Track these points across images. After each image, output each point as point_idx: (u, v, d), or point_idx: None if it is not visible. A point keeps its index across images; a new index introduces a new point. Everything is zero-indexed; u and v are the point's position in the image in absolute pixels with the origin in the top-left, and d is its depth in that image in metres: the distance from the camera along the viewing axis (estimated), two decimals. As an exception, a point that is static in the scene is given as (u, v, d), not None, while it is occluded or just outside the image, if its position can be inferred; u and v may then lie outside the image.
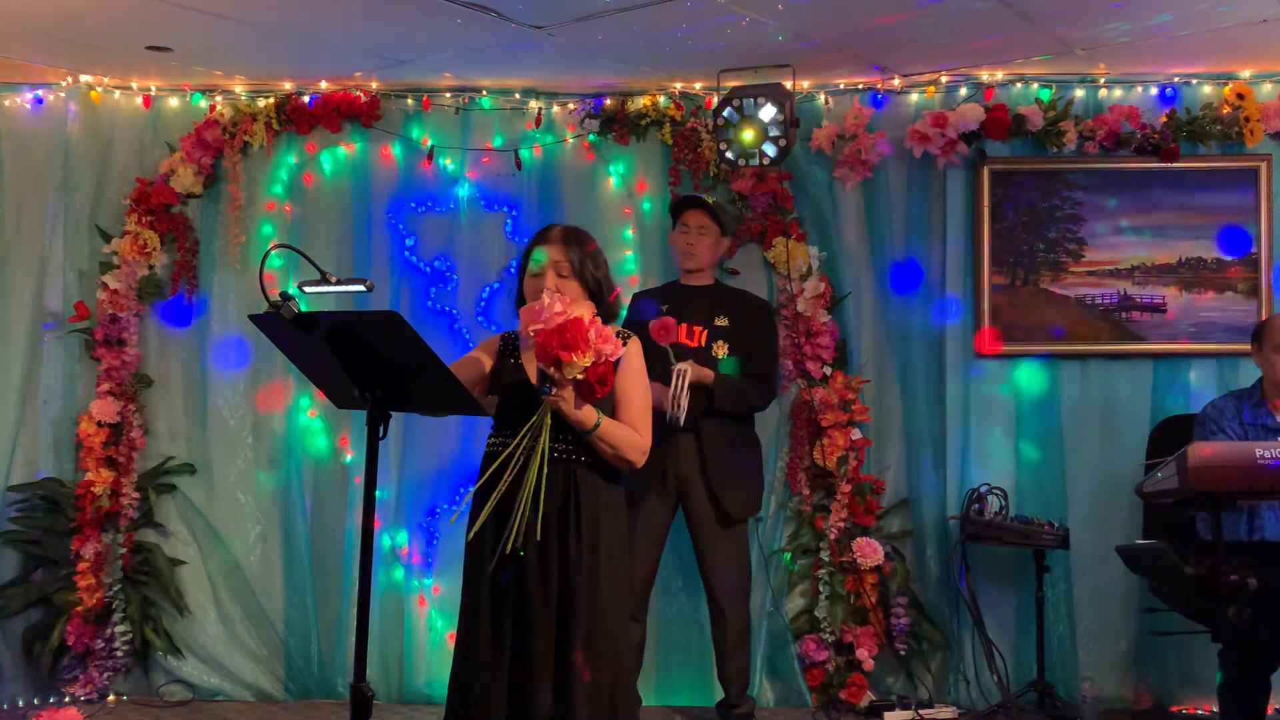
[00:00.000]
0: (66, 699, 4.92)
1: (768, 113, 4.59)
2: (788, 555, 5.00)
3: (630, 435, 3.05)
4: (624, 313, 4.54)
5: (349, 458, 5.15)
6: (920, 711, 4.67)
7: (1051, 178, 4.96)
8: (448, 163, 5.20)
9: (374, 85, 5.16)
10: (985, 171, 4.95)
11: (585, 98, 5.15)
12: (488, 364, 3.19)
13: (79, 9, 4.23)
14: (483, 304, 5.17)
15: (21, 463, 5.08)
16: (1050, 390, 4.96)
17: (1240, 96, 4.84)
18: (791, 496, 5.02)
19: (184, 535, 5.17)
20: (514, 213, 5.19)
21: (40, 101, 5.19)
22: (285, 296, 2.70)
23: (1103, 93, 4.98)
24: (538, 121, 5.16)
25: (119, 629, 4.96)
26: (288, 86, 5.19)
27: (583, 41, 4.48)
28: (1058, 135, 4.89)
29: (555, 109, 5.19)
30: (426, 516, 5.12)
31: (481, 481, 3.04)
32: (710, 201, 4.67)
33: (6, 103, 5.18)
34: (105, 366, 5.06)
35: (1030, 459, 4.97)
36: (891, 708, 4.70)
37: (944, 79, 5.02)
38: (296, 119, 5.16)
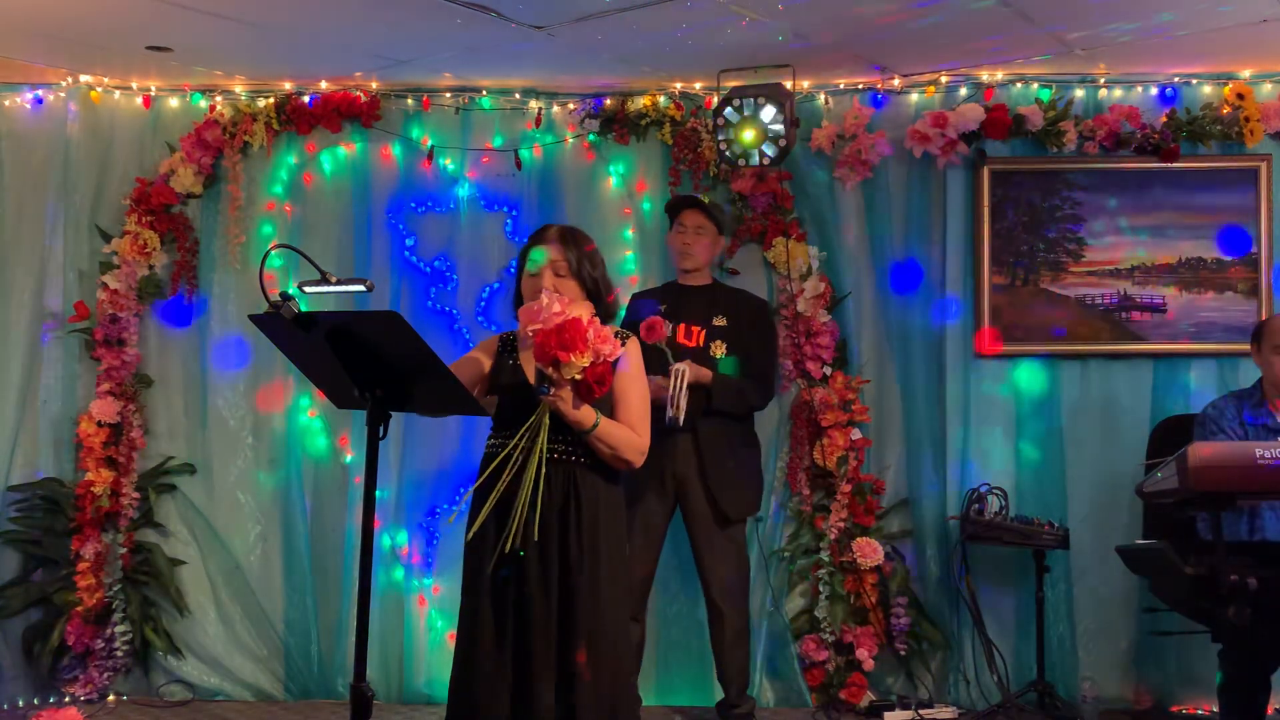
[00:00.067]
0: (66, 699, 4.92)
1: (768, 113, 4.59)
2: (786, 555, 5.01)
3: (628, 435, 3.05)
4: (622, 313, 4.55)
5: (349, 458, 5.15)
6: (920, 711, 4.67)
7: (1051, 178, 4.96)
8: (448, 163, 5.20)
9: (374, 85, 5.16)
10: (985, 171, 4.95)
11: (585, 98, 5.15)
12: (486, 364, 3.19)
13: (79, 9, 4.23)
14: (483, 304, 5.17)
15: (21, 463, 5.08)
16: (1050, 390, 4.96)
17: (1240, 96, 4.84)
18: (791, 496, 5.02)
19: (184, 535, 5.17)
20: (514, 213, 5.19)
21: (40, 101, 5.19)
22: (285, 296, 2.70)
23: (1103, 93, 4.98)
24: (538, 121, 5.16)
25: (119, 629, 4.97)
26: (288, 86, 5.19)
27: (583, 41, 4.48)
28: (1058, 135, 4.89)
29: (555, 109, 5.19)
30: (426, 516, 5.12)
31: (480, 481, 3.04)
32: (707, 201, 4.67)
33: (6, 103, 5.18)
34: (105, 366, 5.06)
35: (1030, 459, 4.97)
36: (891, 708, 4.70)
37: (944, 79, 5.02)
38: (296, 119, 5.16)
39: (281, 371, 5.12)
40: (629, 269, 5.13)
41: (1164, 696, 4.82)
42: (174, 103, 5.24)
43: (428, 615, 5.09)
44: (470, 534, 3.06)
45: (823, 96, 5.10)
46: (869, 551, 4.84)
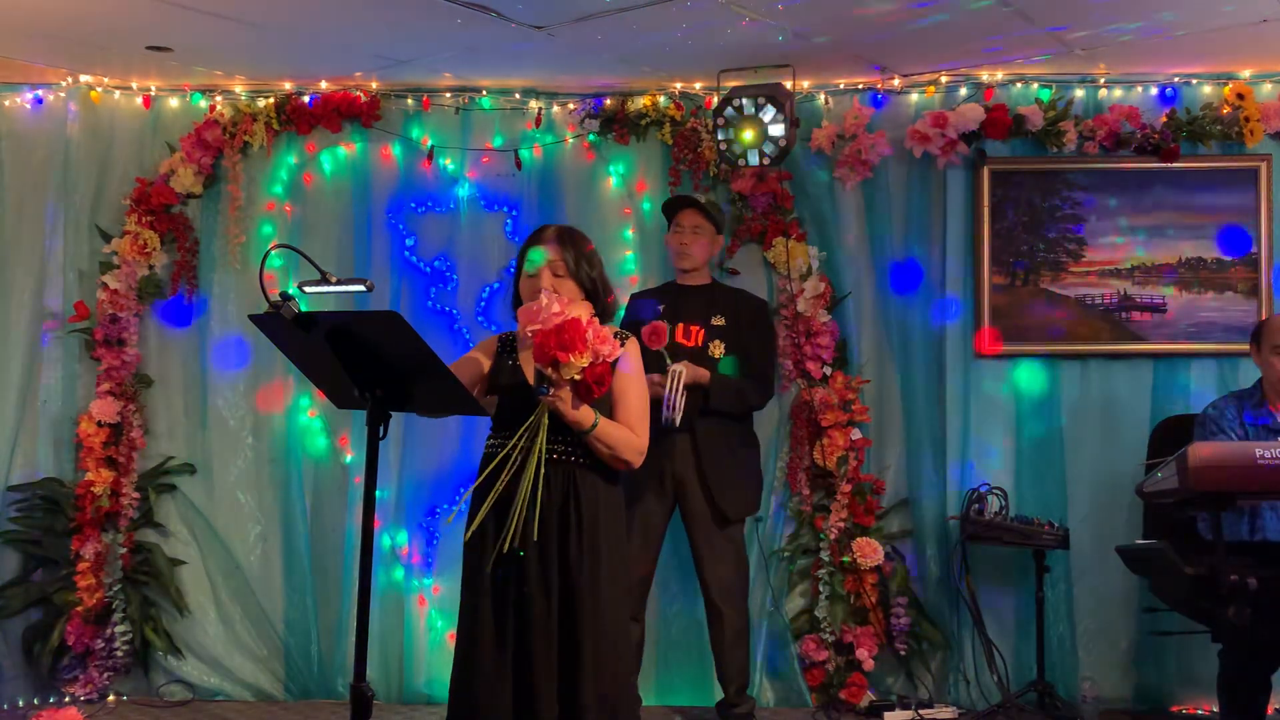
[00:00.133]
0: (66, 699, 4.92)
1: (768, 113, 4.59)
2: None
3: (627, 435, 3.05)
4: (621, 313, 4.55)
5: (349, 458, 5.16)
6: (920, 711, 4.67)
7: (1051, 178, 4.96)
8: (448, 163, 5.20)
9: (374, 85, 5.16)
10: (985, 171, 4.95)
11: (585, 98, 5.15)
12: (486, 364, 3.19)
13: (79, 9, 4.23)
14: (483, 304, 5.17)
15: (21, 463, 5.08)
16: (1050, 390, 4.96)
17: (1240, 96, 4.84)
18: (791, 496, 5.02)
19: (184, 535, 5.17)
20: (514, 213, 5.19)
21: (40, 101, 5.19)
22: (285, 296, 2.71)
23: (1103, 93, 4.98)
24: (538, 121, 5.16)
25: (119, 629, 4.96)
26: (288, 86, 5.19)
27: (583, 41, 4.48)
28: (1058, 135, 4.89)
29: (555, 109, 5.19)
30: (426, 516, 5.12)
31: (480, 481, 3.04)
32: (704, 200, 4.67)
33: (6, 103, 5.18)
34: (105, 366, 5.06)
35: (1030, 459, 4.96)
36: (891, 708, 4.70)
37: (944, 79, 5.02)
38: (296, 119, 5.16)
39: (281, 371, 5.12)
40: (629, 269, 5.13)
41: (1164, 696, 4.81)
42: (174, 103, 5.24)
43: (428, 615, 5.09)
44: (469, 534, 3.06)
45: (823, 96, 5.10)
46: (869, 551, 4.84)
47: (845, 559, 4.86)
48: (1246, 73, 4.90)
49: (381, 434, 2.78)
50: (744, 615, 4.60)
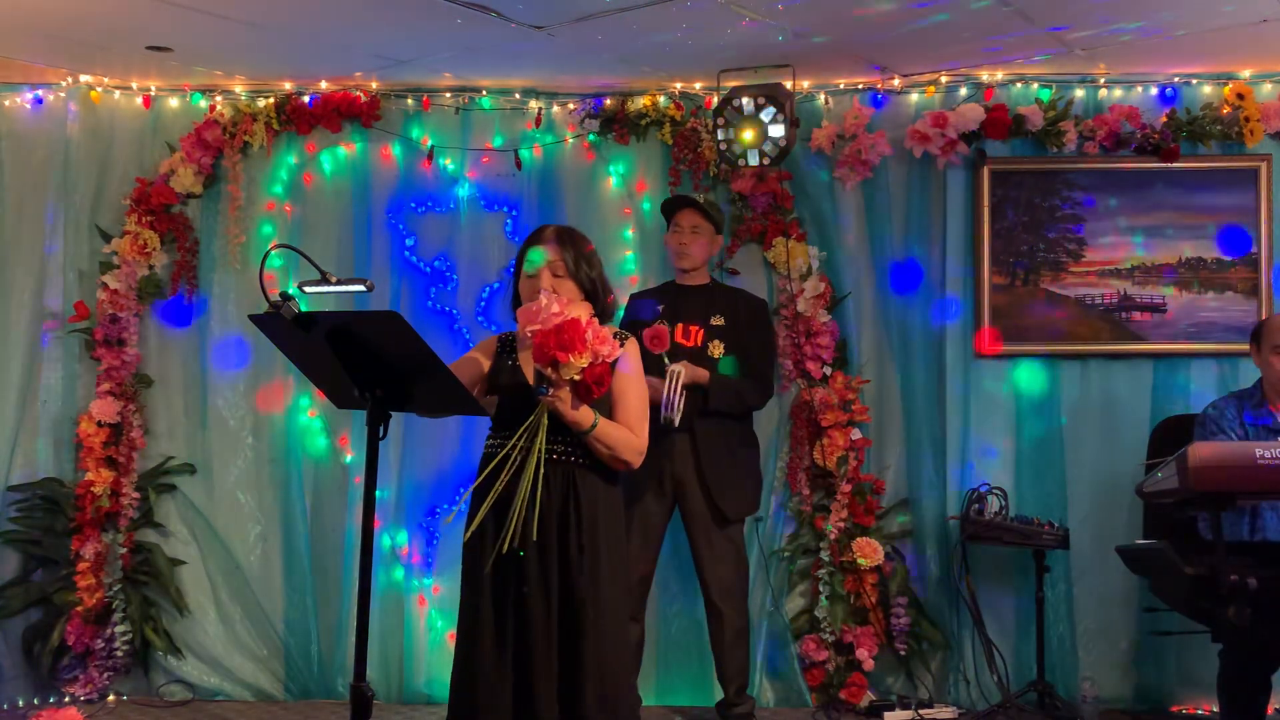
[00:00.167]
0: (66, 699, 4.92)
1: (768, 113, 4.59)
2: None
3: (626, 436, 3.05)
4: (620, 313, 4.55)
5: (349, 458, 5.16)
6: (920, 711, 4.67)
7: (1051, 178, 4.96)
8: (448, 163, 5.20)
9: (374, 85, 5.16)
10: (985, 171, 4.95)
11: (585, 98, 5.15)
12: (485, 364, 3.19)
13: (79, 9, 4.23)
14: (483, 304, 5.17)
15: (21, 463, 5.08)
16: (1050, 390, 4.96)
17: (1240, 96, 4.84)
18: (791, 496, 5.02)
19: (184, 535, 5.17)
20: (514, 213, 5.19)
21: (40, 101, 5.19)
22: (285, 296, 2.71)
23: (1103, 93, 4.98)
24: (538, 121, 5.16)
25: (119, 629, 4.96)
26: (288, 86, 5.19)
27: (583, 41, 4.48)
28: (1058, 135, 4.89)
29: (555, 109, 5.19)
30: (426, 516, 5.12)
31: (479, 481, 3.04)
32: (702, 200, 4.67)
33: (6, 103, 5.18)
34: (105, 366, 5.06)
35: (1030, 459, 4.96)
36: (891, 708, 4.70)
37: (944, 79, 5.02)
38: (296, 119, 5.16)
39: (281, 371, 5.12)
40: (629, 269, 5.13)
41: (1164, 696, 4.82)
42: (174, 103, 5.24)
43: (428, 615, 5.09)
44: (468, 534, 3.06)
45: (823, 96, 5.10)
46: (869, 551, 4.84)
47: (846, 559, 4.86)
48: (1246, 73, 4.90)
49: (381, 434, 2.78)
50: (744, 615, 4.60)
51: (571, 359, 2.82)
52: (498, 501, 2.99)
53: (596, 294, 3.16)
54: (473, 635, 3.02)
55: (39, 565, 5.06)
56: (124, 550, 5.02)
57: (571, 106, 5.17)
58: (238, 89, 5.19)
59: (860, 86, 5.07)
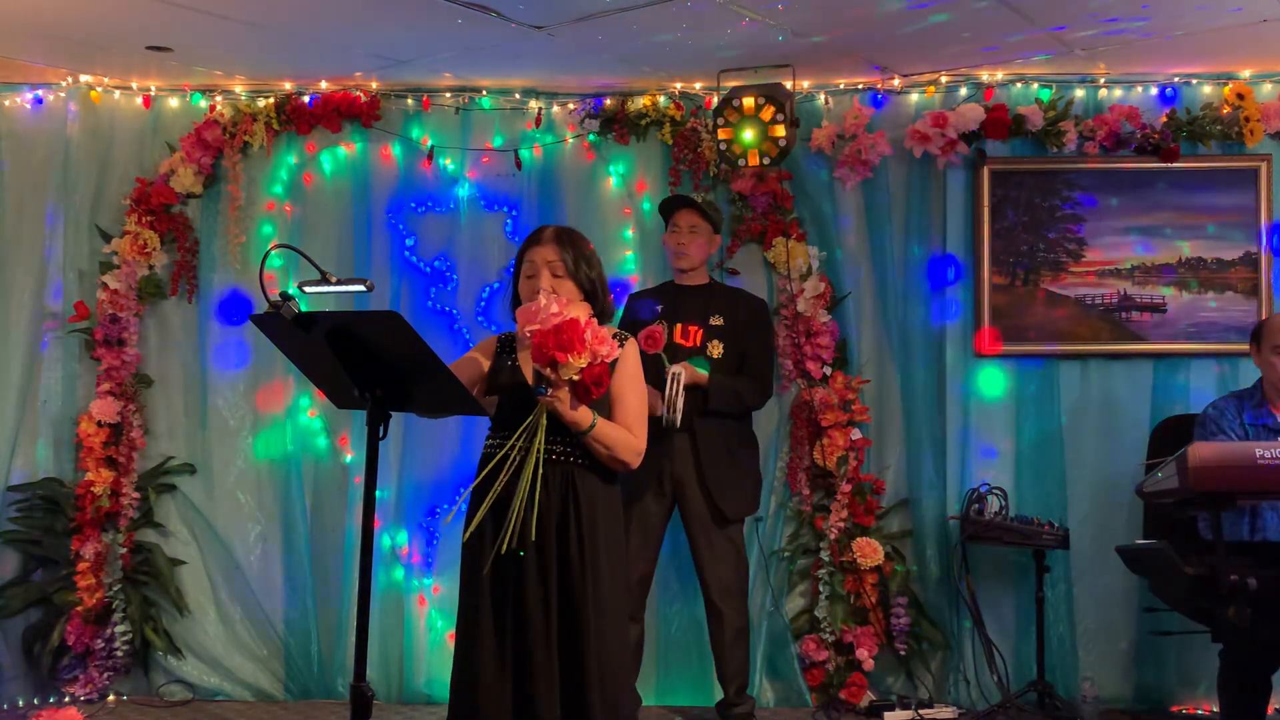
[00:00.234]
0: (66, 699, 4.92)
1: (767, 113, 4.59)
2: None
3: (625, 436, 3.06)
4: (620, 313, 4.55)
5: (349, 458, 5.15)
6: (920, 711, 4.67)
7: (1051, 178, 4.96)
8: (448, 163, 5.20)
9: (374, 85, 5.16)
10: (985, 171, 4.95)
11: (585, 98, 5.15)
12: (485, 364, 3.20)
13: (79, 9, 4.23)
14: (483, 304, 5.17)
15: (21, 463, 5.08)
16: (1050, 390, 4.96)
17: (1240, 96, 4.84)
18: (791, 496, 5.02)
19: (184, 535, 5.17)
20: (514, 213, 5.19)
21: (40, 101, 5.19)
22: (285, 296, 2.71)
23: (1103, 93, 4.98)
24: (538, 121, 5.16)
25: (119, 629, 4.96)
26: (288, 86, 5.19)
27: (583, 41, 4.48)
28: (1058, 135, 4.89)
29: (555, 109, 5.19)
30: (426, 516, 5.12)
31: (478, 481, 3.04)
32: (699, 200, 4.67)
33: (6, 103, 5.18)
34: (105, 366, 5.06)
35: (1030, 459, 4.96)
36: (891, 708, 4.70)
37: (944, 79, 5.02)
38: (296, 119, 5.16)
39: (281, 371, 5.12)
40: (629, 269, 5.13)
41: (1164, 696, 4.82)
42: (174, 103, 5.24)
43: (428, 615, 5.09)
44: (467, 534, 3.06)
45: (823, 96, 5.10)
46: (869, 551, 4.84)
47: (846, 559, 4.86)
48: (1246, 73, 4.90)
49: (381, 434, 2.78)
50: (744, 615, 4.60)
51: (570, 359, 2.82)
52: (497, 501, 2.99)
53: (596, 294, 3.16)
54: (472, 636, 3.02)
55: (39, 565, 5.06)
56: (124, 550, 5.02)
57: (571, 106, 5.17)
58: (238, 89, 5.19)
59: (860, 86, 5.07)
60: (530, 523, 2.92)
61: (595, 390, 2.89)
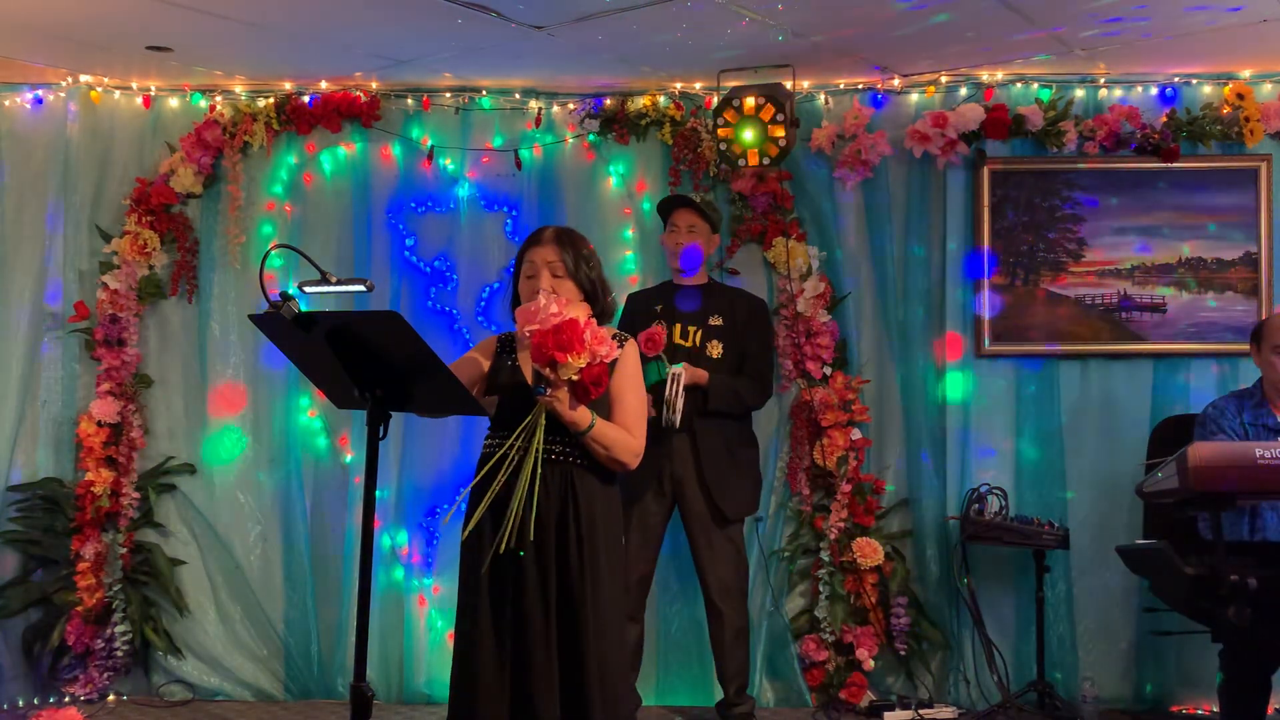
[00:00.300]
0: (66, 699, 4.92)
1: (767, 113, 4.59)
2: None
3: (623, 437, 3.06)
4: (619, 313, 4.55)
5: (349, 458, 5.15)
6: (920, 711, 4.67)
7: (1051, 178, 4.96)
8: (448, 163, 5.20)
9: (374, 85, 5.16)
10: (985, 171, 4.95)
11: (585, 98, 5.15)
12: (485, 364, 3.20)
13: (79, 9, 4.23)
14: (483, 304, 5.17)
15: (21, 463, 5.08)
16: (1050, 390, 4.96)
17: (1240, 96, 4.84)
18: (791, 496, 5.02)
19: (184, 535, 5.17)
20: (514, 213, 5.19)
21: (40, 101, 5.19)
22: (285, 296, 2.71)
23: (1103, 93, 4.98)
24: (538, 121, 5.16)
25: (119, 629, 4.96)
26: (288, 86, 5.19)
27: (583, 41, 4.48)
28: (1058, 135, 4.89)
29: (555, 109, 5.19)
30: (426, 516, 5.12)
31: (477, 480, 3.04)
32: (697, 200, 4.67)
33: (6, 103, 5.18)
34: (105, 366, 5.06)
35: (1030, 459, 4.97)
36: (891, 708, 4.70)
37: (944, 79, 5.02)
38: (296, 119, 5.16)
39: (281, 371, 5.12)
40: (629, 269, 5.13)
41: (1164, 696, 4.82)
42: (174, 103, 5.24)
43: (428, 615, 5.09)
44: (465, 533, 3.06)
45: (823, 96, 5.10)
46: (869, 551, 4.84)
47: (846, 559, 4.86)
48: (1246, 73, 4.90)
49: (381, 434, 2.78)
50: (744, 615, 4.60)
51: (569, 359, 2.82)
52: (495, 501, 2.99)
53: (596, 295, 3.16)
54: (471, 636, 3.02)
55: (39, 565, 5.06)
56: (124, 550, 5.02)
57: (571, 106, 5.17)
58: (238, 89, 5.19)
59: (860, 86, 5.07)
60: (529, 522, 2.92)
61: (594, 390, 2.89)
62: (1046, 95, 4.96)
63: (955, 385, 4.96)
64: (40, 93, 5.18)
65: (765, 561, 4.93)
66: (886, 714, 4.66)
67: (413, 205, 5.21)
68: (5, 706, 4.85)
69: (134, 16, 4.30)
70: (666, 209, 4.70)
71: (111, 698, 4.99)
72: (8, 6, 4.19)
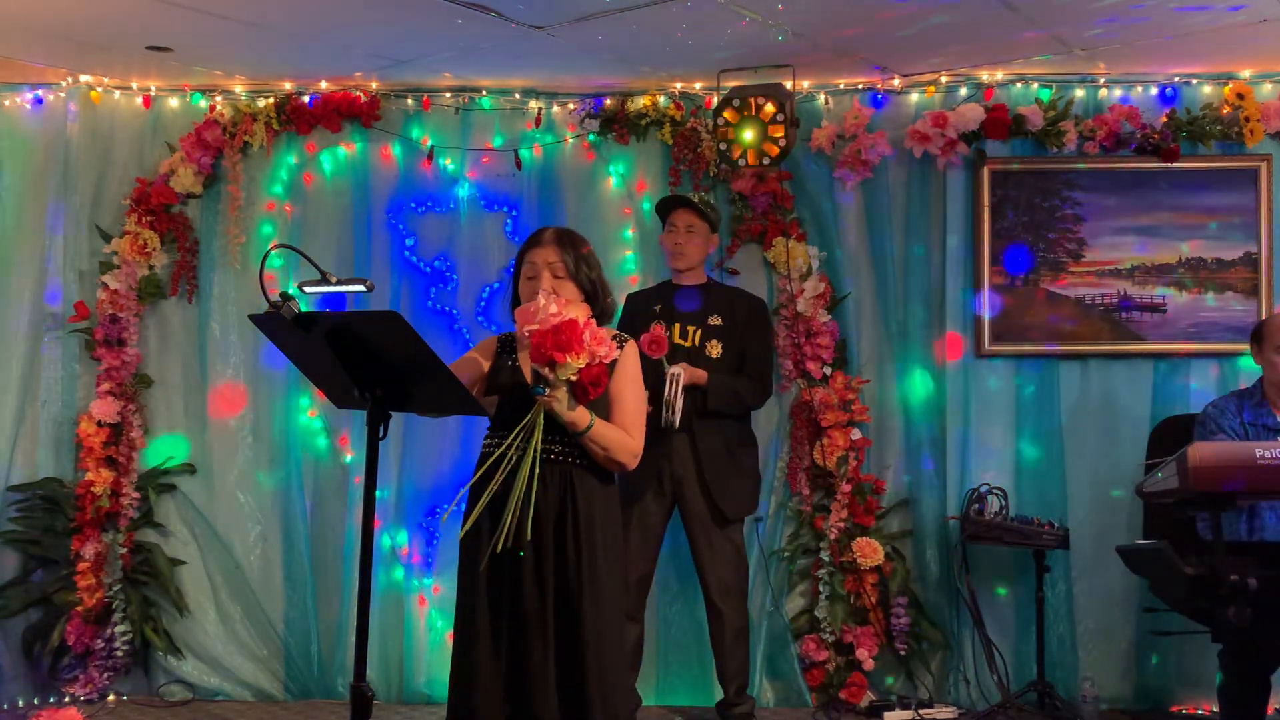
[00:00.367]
0: (66, 699, 4.92)
1: (768, 113, 4.59)
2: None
3: (622, 438, 3.06)
4: (619, 313, 4.55)
5: (349, 458, 5.15)
6: (920, 711, 4.67)
7: (1051, 178, 4.96)
8: (448, 163, 5.20)
9: (374, 85, 5.16)
10: (985, 171, 4.95)
11: (585, 98, 5.15)
12: (485, 365, 3.20)
13: (79, 9, 4.23)
14: (483, 304, 5.17)
15: (21, 463, 5.08)
16: (1050, 390, 4.96)
17: (1240, 96, 4.84)
18: (791, 496, 5.02)
19: (184, 535, 5.17)
20: (514, 213, 5.19)
21: (40, 101, 5.19)
22: (285, 296, 2.71)
23: (1103, 93, 4.98)
24: (538, 121, 5.16)
25: (119, 629, 4.96)
26: (288, 86, 5.19)
27: (583, 41, 4.48)
28: (1058, 135, 4.89)
29: (555, 109, 5.19)
30: (426, 516, 5.12)
31: (475, 479, 3.04)
32: (696, 200, 4.67)
33: (6, 103, 5.18)
34: (105, 366, 5.06)
35: (1030, 459, 4.97)
36: (891, 708, 4.70)
37: (944, 79, 5.02)
38: (296, 119, 5.16)
39: (281, 372, 5.12)
40: (629, 269, 5.13)
41: (1164, 696, 4.82)
42: (174, 103, 5.24)
43: (428, 615, 5.09)
44: (464, 532, 3.06)
45: (823, 96, 5.10)
46: (869, 551, 4.84)
47: (846, 559, 4.86)
48: (1246, 73, 4.90)
49: (381, 434, 2.78)
50: (744, 615, 4.60)
51: (568, 359, 2.82)
52: (494, 500, 2.99)
53: (596, 295, 3.16)
54: (469, 636, 3.02)
55: (39, 565, 5.06)
56: (124, 550, 5.02)
57: (571, 106, 5.17)
58: (238, 89, 5.19)
59: (860, 86, 5.07)
60: (526, 522, 2.92)
61: (593, 391, 2.89)
62: (1046, 95, 4.96)
63: (955, 385, 4.96)
64: (40, 93, 5.18)
65: (765, 561, 4.93)
66: (886, 714, 4.66)
67: (413, 205, 5.21)
68: (5, 706, 4.85)
69: (134, 16, 4.30)
70: (665, 209, 4.69)
71: (111, 698, 4.99)
72: (8, 6, 4.19)
